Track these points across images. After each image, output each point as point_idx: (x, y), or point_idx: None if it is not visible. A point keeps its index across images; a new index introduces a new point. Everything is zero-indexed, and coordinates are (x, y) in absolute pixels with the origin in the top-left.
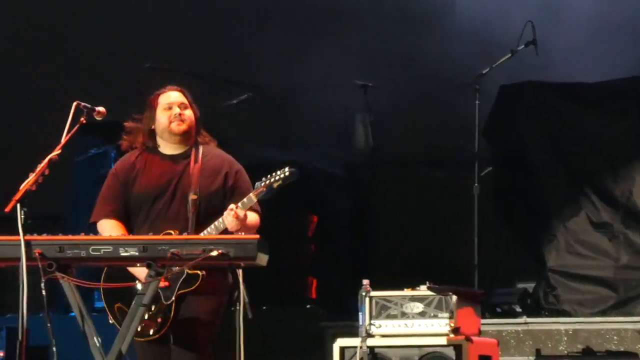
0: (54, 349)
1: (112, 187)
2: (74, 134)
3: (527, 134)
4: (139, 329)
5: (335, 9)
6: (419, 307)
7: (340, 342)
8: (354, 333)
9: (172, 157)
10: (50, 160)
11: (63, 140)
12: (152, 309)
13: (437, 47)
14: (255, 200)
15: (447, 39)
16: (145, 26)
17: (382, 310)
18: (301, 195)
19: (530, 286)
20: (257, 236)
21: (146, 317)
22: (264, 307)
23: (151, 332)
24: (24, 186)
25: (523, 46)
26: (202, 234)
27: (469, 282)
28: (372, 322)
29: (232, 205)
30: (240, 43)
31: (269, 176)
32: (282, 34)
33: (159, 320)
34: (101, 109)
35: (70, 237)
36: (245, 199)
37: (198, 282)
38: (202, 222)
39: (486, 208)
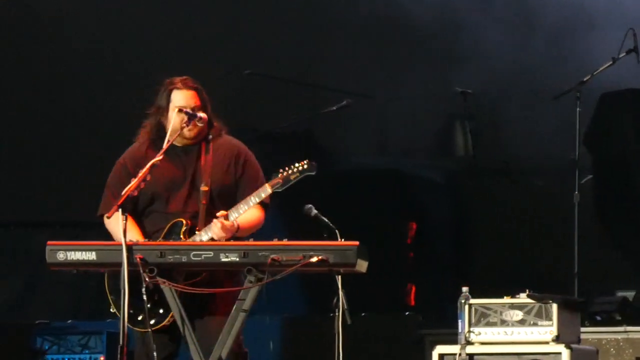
0: (155, 354)
1: (121, 178)
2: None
3: (628, 141)
4: (139, 318)
5: (436, 16)
6: (518, 314)
7: (439, 350)
8: (453, 340)
9: (183, 149)
10: (152, 165)
11: (165, 145)
12: (155, 298)
13: (538, 53)
14: (270, 191)
15: (547, 45)
16: (245, 33)
17: (482, 317)
18: (400, 203)
19: (630, 294)
20: (357, 243)
21: (148, 306)
22: (363, 314)
23: (152, 322)
24: (126, 191)
25: (624, 54)
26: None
27: (569, 290)
28: (471, 329)
29: (220, 213)
30: (341, 51)
31: (286, 168)
32: (382, 42)
33: (161, 311)
34: (202, 115)
35: (171, 242)
36: (260, 190)
37: (202, 276)
38: (213, 214)
39: (586, 216)
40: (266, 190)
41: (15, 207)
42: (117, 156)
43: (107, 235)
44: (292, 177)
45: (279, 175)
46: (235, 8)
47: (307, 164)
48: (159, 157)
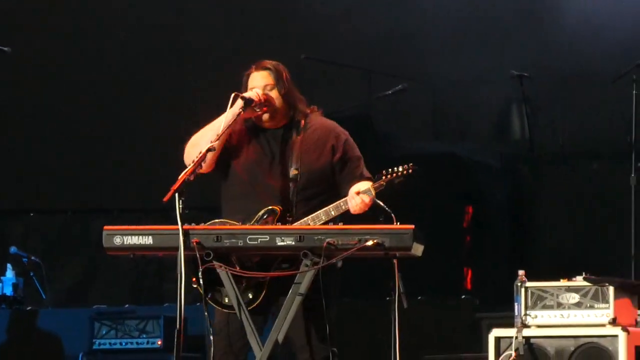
0: (211, 337)
1: None
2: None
3: None
4: (226, 301)
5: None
6: (575, 297)
7: (495, 333)
8: (509, 324)
9: (272, 133)
10: (208, 150)
11: (221, 130)
12: (243, 283)
13: (594, 37)
14: (373, 193)
15: (603, 29)
16: (301, 17)
17: (538, 300)
18: (457, 186)
19: None
20: (413, 226)
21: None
22: (420, 297)
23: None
24: (181, 176)
25: None
26: (318, 213)
27: (626, 273)
28: (527, 312)
29: (354, 190)
30: (397, 34)
31: (390, 171)
32: (439, 26)
33: (250, 295)
34: (256, 97)
35: (227, 226)
36: (364, 190)
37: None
38: (307, 198)
39: None
40: (369, 192)
41: (74, 193)
42: (176, 142)
43: (164, 220)
44: (396, 182)
45: (383, 178)
46: None
47: (412, 168)
48: (213, 143)
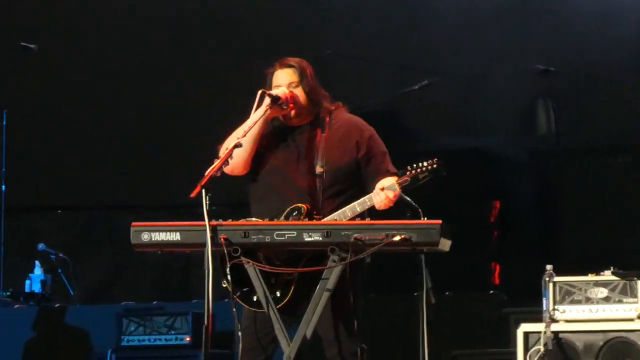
0: (239, 333)
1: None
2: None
3: None
4: (254, 299)
5: None
6: (603, 292)
7: (524, 328)
8: (537, 319)
9: (298, 129)
10: (235, 146)
11: (247, 127)
12: (272, 281)
13: (618, 29)
14: (398, 189)
15: (627, 22)
16: (325, 12)
17: (566, 295)
18: (484, 181)
19: None
20: (440, 221)
21: (264, 288)
22: (447, 293)
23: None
24: (208, 172)
25: None
26: (344, 210)
27: None
28: (555, 307)
29: (379, 186)
30: (422, 29)
31: (414, 166)
32: (464, 20)
33: (278, 293)
34: (283, 95)
35: (255, 222)
36: (389, 186)
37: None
38: (333, 195)
39: None
40: (394, 187)
41: (101, 190)
42: (206, 140)
43: (192, 217)
44: (420, 177)
45: (407, 174)
46: None
47: (437, 163)
48: (240, 139)
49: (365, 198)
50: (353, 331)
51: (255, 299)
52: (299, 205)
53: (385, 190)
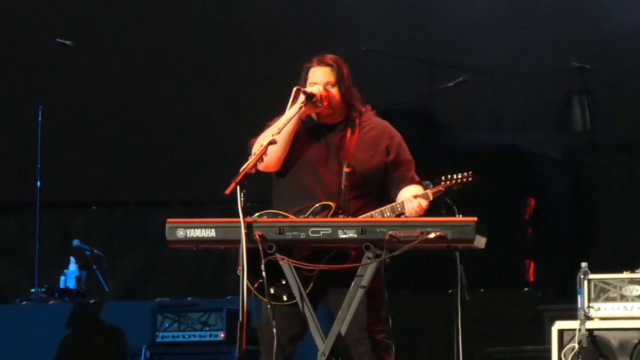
0: (274, 330)
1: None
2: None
3: None
4: (272, 291)
5: None
6: (638, 289)
7: (558, 325)
8: (572, 316)
9: (328, 128)
10: (270, 143)
11: (282, 124)
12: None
13: None
14: (431, 198)
15: None
16: (362, 8)
17: (601, 293)
18: (519, 178)
19: None
20: (475, 218)
21: (283, 282)
22: (482, 290)
23: (284, 297)
24: (243, 169)
25: None
26: (374, 213)
27: None
28: (590, 304)
29: (413, 194)
30: (458, 26)
31: (449, 177)
32: (498, 18)
33: None
34: (318, 93)
35: (289, 219)
36: (422, 194)
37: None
38: (358, 196)
39: None
40: (427, 196)
41: (135, 186)
42: (237, 135)
43: (226, 212)
44: (454, 188)
45: (442, 184)
46: None
47: (471, 177)
48: (275, 136)
49: (397, 204)
50: (384, 328)
51: (272, 291)
52: (328, 202)
53: (418, 198)
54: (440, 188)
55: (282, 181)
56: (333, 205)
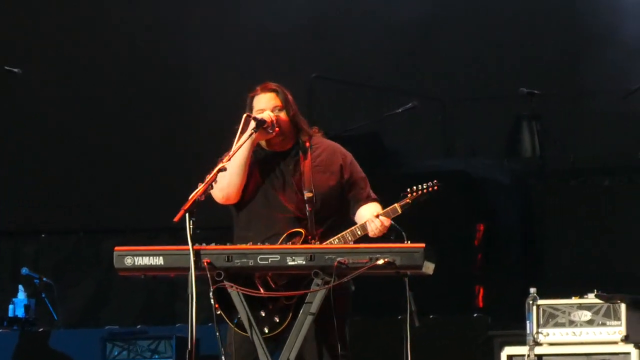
0: (223, 358)
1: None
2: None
3: None
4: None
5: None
6: (587, 315)
7: (508, 351)
8: (521, 341)
9: (280, 155)
10: (219, 170)
11: (232, 152)
12: (270, 307)
13: (604, 54)
14: (399, 212)
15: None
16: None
17: (550, 318)
18: (468, 204)
19: None
20: (423, 245)
21: (262, 314)
22: (431, 316)
23: (266, 330)
24: (192, 196)
25: None
26: (335, 239)
27: (638, 291)
28: (539, 330)
29: (374, 214)
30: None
31: (415, 188)
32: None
33: (276, 319)
34: (268, 118)
35: (238, 246)
36: (389, 209)
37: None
38: (320, 220)
39: None
40: (395, 211)
41: (86, 214)
42: (191, 166)
43: (178, 240)
44: (422, 199)
45: (408, 196)
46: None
47: (437, 185)
48: (225, 163)
49: (357, 227)
50: (337, 355)
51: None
52: (298, 230)
53: (380, 217)
54: (408, 201)
55: (242, 213)
56: (303, 232)
